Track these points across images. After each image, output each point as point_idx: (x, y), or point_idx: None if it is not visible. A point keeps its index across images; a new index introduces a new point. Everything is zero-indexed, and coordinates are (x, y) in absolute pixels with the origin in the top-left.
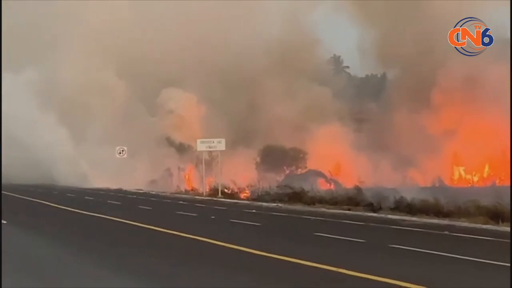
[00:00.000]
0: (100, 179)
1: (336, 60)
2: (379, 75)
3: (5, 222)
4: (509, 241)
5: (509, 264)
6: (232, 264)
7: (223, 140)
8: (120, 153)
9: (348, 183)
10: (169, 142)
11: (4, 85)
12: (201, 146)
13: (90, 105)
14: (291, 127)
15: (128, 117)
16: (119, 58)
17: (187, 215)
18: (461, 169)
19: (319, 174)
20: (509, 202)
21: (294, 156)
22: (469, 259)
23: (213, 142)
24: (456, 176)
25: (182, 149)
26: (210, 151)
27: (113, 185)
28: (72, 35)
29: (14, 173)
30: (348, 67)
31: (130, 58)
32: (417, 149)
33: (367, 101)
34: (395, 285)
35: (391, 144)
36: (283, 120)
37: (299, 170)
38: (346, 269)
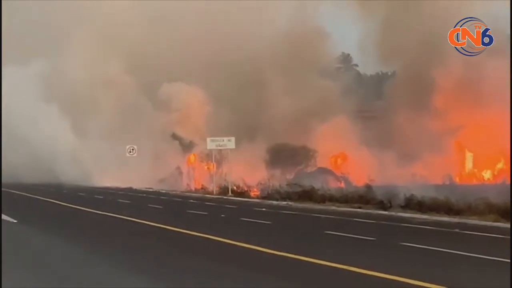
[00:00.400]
0: (109, 178)
1: (345, 58)
2: (389, 73)
3: (15, 221)
4: None
5: None
6: (242, 263)
7: (233, 139)
8: (130, 152)
9: (358, 181)
10: (176, 139)
11: (11, 79)
12: (211, 144)
13: (96, 101)
14: (298, 123)
15: (135, 114)
16: (126, 52)
17: (197, 213)
18: (471, 166)
19: (329, 172)
20: None
21: (304, 154)
22: (481, 257)
23: (223, 140)
24: (466, 173)
25: (190, 146)
26: (220, 149)
27: (122, 184)
28: (80, 29)
29: (22, 172)
30: (357, 65)
31: (136, 52)
32: (426, 147)
33: (376, 99)
34: (407, 283)
35: (400, 142)
36: (289, 116)
37: (309, 168)
38: (357, 267)
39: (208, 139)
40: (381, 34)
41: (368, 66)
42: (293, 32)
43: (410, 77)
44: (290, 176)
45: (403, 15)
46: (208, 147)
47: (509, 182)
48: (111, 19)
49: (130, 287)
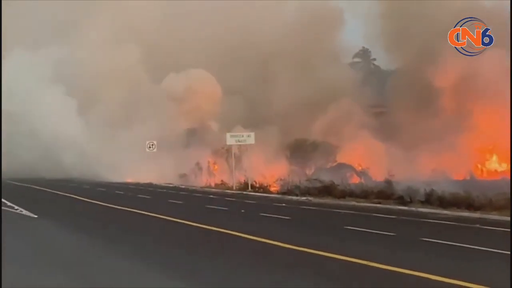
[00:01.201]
0: (128, 173)
1: (365, 53)
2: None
3: (36, 216)
4: None
5: None
6: (262, 258)
7: (252, 134)
8: (150, 147)
9: (377, 176)
10: (193, 133)
11: (22, 68)
12: (230, 140)
13: (111, 93)
14: (311, 117)
15: (149, 105)
16: (139, 43)
17: (218, 209)
18: (493, 161)
19: (349, 167)
20: None
21: (324, 150)
22: (503, 253)
23: (243, 136)
24: (487, 168)
25: (208, 141)
26: (240, 145)
27: (141, 179)
28: (94, 18)
29: (36, 167)
30: (375, 59)
31: (149, 43)
32: (446, 143)
33: (393, 95)
34: (428, 278)
35: (419, 137)
36: (301, 110)
37: (329, 163)
38: (377, 262)
39: (228, 135)
40: (392, 28)
41: (381, 60)
42: (305, 22)
43: (421, 73)
44: (309, 171)
45: (413, 11)
46: (228, 143)
47: None
48: (126, 9)
49: (150, 282)
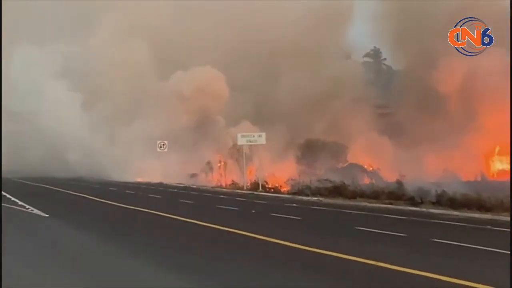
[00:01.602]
0: (136, 172)
1: (376, 52)
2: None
3: (47, 215)
4: None
5: None
6: (273, 258)
7: (263, 134)
8: (161, 147)
9: (388, 177)
10: (200, 131)
11: (30, 66)
12: (241, 140)
13: (119, 91)
14: (316, 117)
15: (157, 103)
16: (148, 40)
17: (228, 209)
18: (504, 162)
19: (360, 168)
20: None
21: (335, 150)
22: None
23: (254, 136)
24: (498, 169)
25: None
26: (250, 145)
27: (152, 179)
28: (104, 15)
29: (48, 167)
30: (385, 59)
31: (158, 40)
32: (456, 143)
33: (403, 95)
34: (438, 280)
35: (429, 138)
36: (309, 108)
37: (340, 164)
38: (388, 263)
39: (239, 135)
40: (400, 28)
41: (391, 60)
42: (313, 20)
43: (430, 73)
44: (320, 171)
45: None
46: (239, 143)
47: None
48: (134, 7)
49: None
